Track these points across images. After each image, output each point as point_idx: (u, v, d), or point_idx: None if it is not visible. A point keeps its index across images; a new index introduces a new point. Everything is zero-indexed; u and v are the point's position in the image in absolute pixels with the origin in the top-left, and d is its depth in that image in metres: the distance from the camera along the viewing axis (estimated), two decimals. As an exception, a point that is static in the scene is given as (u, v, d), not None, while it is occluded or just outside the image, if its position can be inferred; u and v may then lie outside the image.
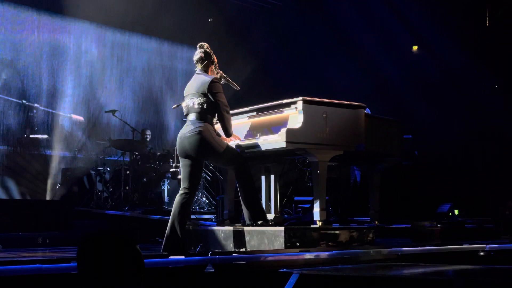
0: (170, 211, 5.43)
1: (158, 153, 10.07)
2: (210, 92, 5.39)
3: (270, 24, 12.87)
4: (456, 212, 8.04)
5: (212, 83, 5.43)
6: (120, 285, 2.35)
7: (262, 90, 10.95)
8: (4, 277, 3.51)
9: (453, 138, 10.22)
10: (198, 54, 5.64)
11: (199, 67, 5.62)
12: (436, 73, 10.74)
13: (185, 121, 5.60)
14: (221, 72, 5.78)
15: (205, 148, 5.39)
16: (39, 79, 10.70)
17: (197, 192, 8.82)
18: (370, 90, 10.53)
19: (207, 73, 5.59)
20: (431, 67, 10.79)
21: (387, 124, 6.40)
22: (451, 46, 10.37)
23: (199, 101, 5.41)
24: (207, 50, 5.64)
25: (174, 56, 12.74)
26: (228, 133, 5.55)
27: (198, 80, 5.53)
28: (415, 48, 11.39)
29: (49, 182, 10.23)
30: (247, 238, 5.43)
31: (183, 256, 4.32)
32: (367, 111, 5.95)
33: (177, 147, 5.55)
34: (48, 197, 10.07)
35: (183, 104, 5.59)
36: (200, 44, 5.68)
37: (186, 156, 5.46)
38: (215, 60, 5.68)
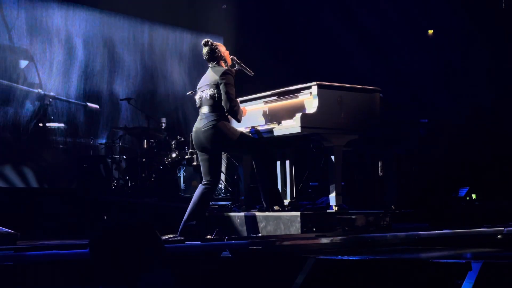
0: (186, 198, 5.46)
1: (174, 141, 10.07)
2: (221, 81, 5.38)
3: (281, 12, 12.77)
4: (474, 196, 7.99)
5: (225, 73, 5.43)
6: (140, 269, 2.37)
7: (279, 75, 10.85)
8: (23, 263, 3.54)
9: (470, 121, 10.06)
10: (204, 52, 5.64)
11: (210, 64, 5.63)
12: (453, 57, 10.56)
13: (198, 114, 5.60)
14: (234, 57, 5.76)
15: (221, 141, 5.43)
16: (55, 68, 10.72)
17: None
18: (386, 77, 10.41)
19: (221, 66, 5.60)
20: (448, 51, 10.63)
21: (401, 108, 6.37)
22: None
23: (211, 92, 5.42)
24: (212, 46, 5.62)
25: (192, 44, 12.69)
26: (238, 121, 5.55)
27: (212, 72, 5.56)
28: (430, 32, 11.23)
29: (66, 171, 10.29)
30: (263, 224, 5.44)
31: (200, 241, 4.34)
32: (381, 95, 5.91)
33: (193, 141, 5.59)
34: (64, 186, 10.13)
35: (196, 97, 5.61)
36: (203, 42, 5.66)
37: (203, 149, 5.50)
38: (223, 52, 5.65)
